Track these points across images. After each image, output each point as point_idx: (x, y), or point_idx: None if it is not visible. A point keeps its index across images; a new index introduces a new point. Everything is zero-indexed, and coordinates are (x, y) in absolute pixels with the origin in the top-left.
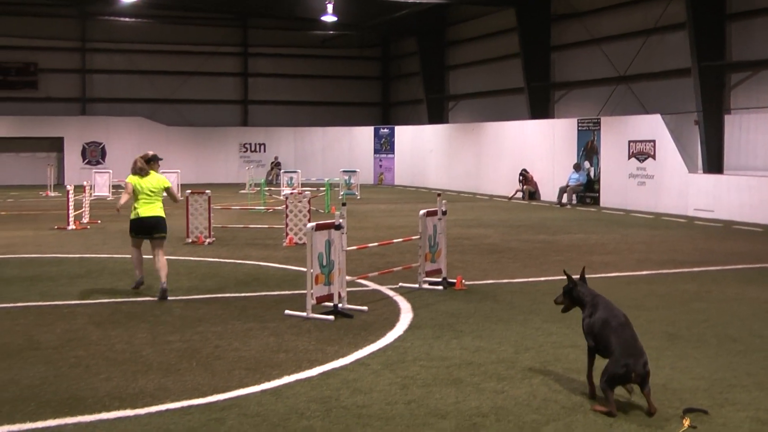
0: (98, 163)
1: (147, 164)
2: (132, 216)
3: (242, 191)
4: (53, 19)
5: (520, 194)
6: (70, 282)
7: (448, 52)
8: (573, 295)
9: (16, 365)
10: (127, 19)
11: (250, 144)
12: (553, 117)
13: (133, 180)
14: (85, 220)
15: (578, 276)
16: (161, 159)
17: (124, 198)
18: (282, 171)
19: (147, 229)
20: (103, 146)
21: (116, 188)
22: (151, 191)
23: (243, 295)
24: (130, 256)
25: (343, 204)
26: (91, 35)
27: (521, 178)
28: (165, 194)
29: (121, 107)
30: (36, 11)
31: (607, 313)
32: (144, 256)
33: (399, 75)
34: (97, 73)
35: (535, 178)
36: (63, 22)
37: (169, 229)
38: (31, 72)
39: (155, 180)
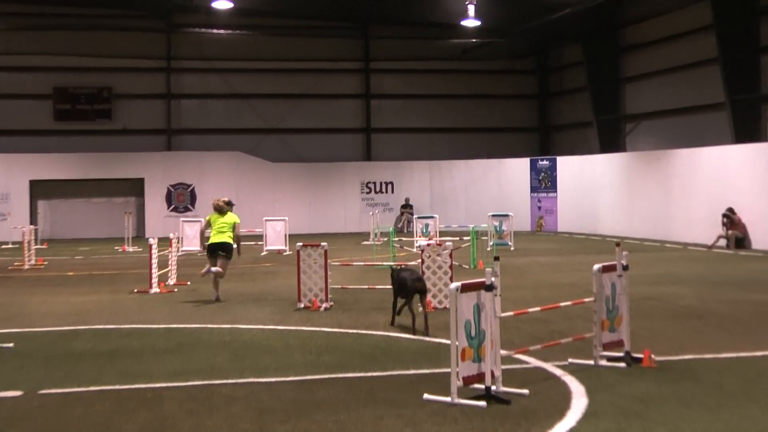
0: (186, 209)
1: (226, 206)
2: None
3: (365, 242)
4: (130, 33)
5: (723, 241)
6: (155, 358)
7: (623, 60)
8: None
9: None
10: (221, 32)
11: (375, 183)
12: (765, 140)
13: (213, 217)
14: (172, 281)
15: None
16: (234, 204)
17: (199, 227)
18: (415, 216)
19: (214, 250)
20: (193, 188)
21: None
22: (223, 225)
23: (370, 374)
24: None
25: (495, 258)
26: (177, 52)
27: (725, 220)
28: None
29: (215, 140)
30: (109, 24)
31: None
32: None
33: (560, 91)
34: (184, 98)
35: (743, 220)
36: (143, 38)
37: (277, 292)
38: (104, 98)
39: (228, 217)
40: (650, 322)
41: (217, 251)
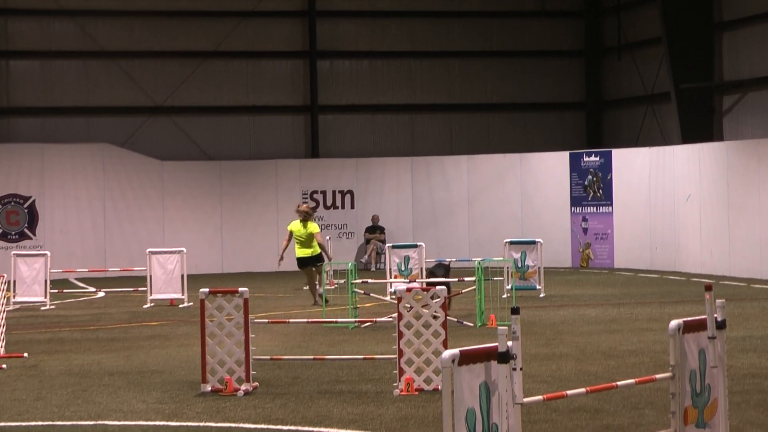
0: (22, 236)
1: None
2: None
3: (308, 286)
4: None
5: None
6: None
7: None
8: None
9: None
10: None
11: (324, 192)
12: None
13: (294, 226)
14: None
15: None
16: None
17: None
18: (387, 245)
19: (306, 265)
20: (32, 203)
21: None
22: (307, 236)
23: None
24: None
25: (515, 310)
26: None
27: None
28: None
29: (67, 125)
30: None
31: None
32: None
33: (620, 46)
34: (16, 58)
35: None
36: None
37: (169, 368)
38: None
39: (310, 227)
40: (765, 414)
41: (308, 265)
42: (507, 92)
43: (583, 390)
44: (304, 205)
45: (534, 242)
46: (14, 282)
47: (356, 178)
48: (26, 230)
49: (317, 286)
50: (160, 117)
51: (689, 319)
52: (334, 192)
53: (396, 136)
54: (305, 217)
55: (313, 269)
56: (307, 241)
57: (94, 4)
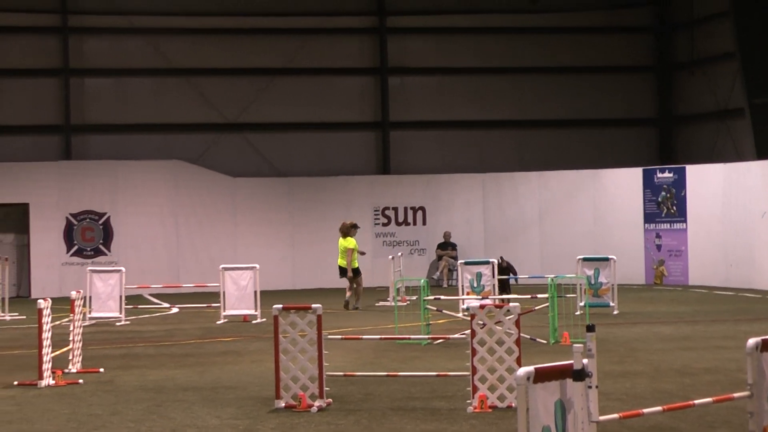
0: (98, 252)
1: (349, 228)
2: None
3: (382, 302)
4: None
5: None
6: None
7: None
8: None
9: None
10: None
11: (396, 209)
12: None
13: (340, 239)
14: (74, 367)
15: None
16: (358, 227)
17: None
18: (459, 262)
19: (341, 274)
20: (107, 219)
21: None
22: (342, 249)
23: None
24: None
25: (589, 327)
26: (77, 1)
27: None
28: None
29: (139, 142)
30: None
31: None
32: None
33: (692, 61)
34: (90, 76)
35: None
36: None
37: (242, 384)
38: None
39: (345, 241)
40: None
41: (342, 275)
42: (577, 108)
43: (659, 408)
44: (346, 222)
45: (607, 259)
46: (90, 298)
47: (427, 195)
48: (101, 246)
49: (348, 295)
50: (232, 134)
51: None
52: (405, 208)
53: (466, 152)
54: (344, 233)
55: (350, 280)
56: (342, 254)
57: (166, 22)
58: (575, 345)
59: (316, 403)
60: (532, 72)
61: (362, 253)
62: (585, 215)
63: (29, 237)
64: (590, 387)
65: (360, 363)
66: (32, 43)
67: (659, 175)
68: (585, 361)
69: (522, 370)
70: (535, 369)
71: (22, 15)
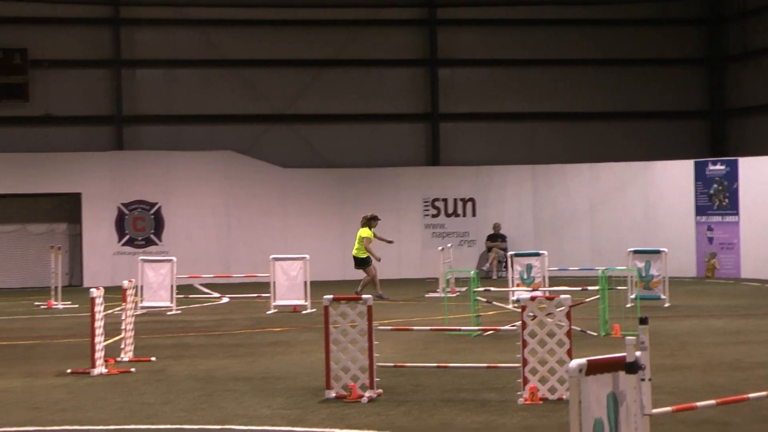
0: (148, 242)
1: (367, 221)
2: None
3: (431, 293)
4: None
5: None
6: None
7: None
8: None
9: None
10: None
11: (445, 201)
12: None
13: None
14: (126, 356)
15: None
16: (378, 219)
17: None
18: (509, 253)
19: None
20: (158, 209)
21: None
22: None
23: None
24: None
25: (642, 320)
26: None
27: None
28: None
29: (190, 133)
30: None
31: None
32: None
33: (745, 53)
34: (141, 67)
35: None
36: None
37: (293, 374)
38: (14, 67)
39: (360, 231)
40: None
41: (356, 266)
42: (627, 100)
43: (712, 402)
44: (364, 215)
45: (658, 251)
46: (141, 287)
47: (477, 186)
48: (152, 236)
49: (375, 283)
50: (282, 125)
51: None
52: (455, 200)
53: (516, 144)
54: (363, 223)
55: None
56: (357, 244)
57: (216, 13)
58: (628, 337)
59: (367, 394)
60: (582, 64)
61: (390, 242)
62: (636, 207)
63: (81, 226)
64: (643, 380)
65: (410, 354)
66: (85, 35)
67: (711, 167)
68: (638, 353)
69: (574, 362)
70: (588, 361)
71: (75, 6)
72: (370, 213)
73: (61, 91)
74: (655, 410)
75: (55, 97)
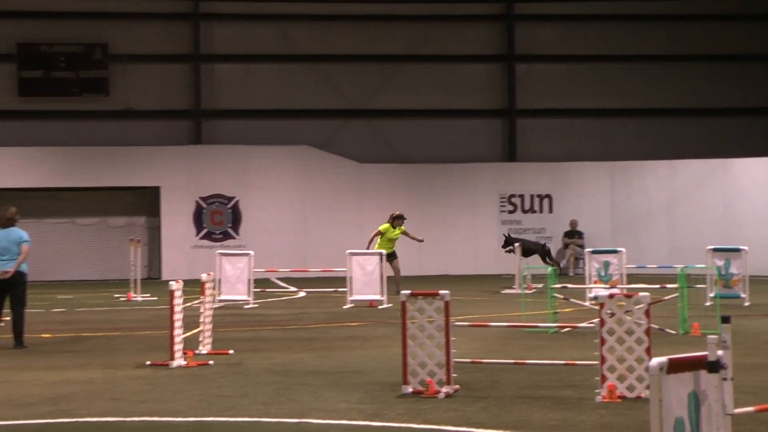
0: (226, 236)
1: (394, 219)
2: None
3: (508, 290)
4: None
5: None
6: None
7: None
8: None
9: None
10: None
11: (522, 197)
12: None
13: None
14: (205, 348)
15: None
16: (404, 218)
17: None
18: (587, 250)
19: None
20: (236, 203)
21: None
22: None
23: None
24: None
25: (724, 319)
26: None
27: None
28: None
29: (268, 127)
30: None
31: None
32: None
33: None
34: (220, 62)
35: None
36: None
37: (369, 368)
38: (96, 61)
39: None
40: None
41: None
42: (706, 97)
43: None
44: (394, 212)
45: (739, 250)
46: (219, 280)
47: (554, 182)
48: (230, 230)
49: (397, 284)
50: (358, 120)
51: None
52: (531, 196)
53: (593, 140)
54: (389, 221)
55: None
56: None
57: (293, 8)
58: (709, 336)
59: (444, 389)
60: (661, 60)
61: (420, 240)
62: (715, 205)
63: (160, 220)
64: (725, 379)
65: (486, 350)
66: (164, 30)
67: None
68: (720, 352)
69: (655, 361)
70: (669, 360)
71: (154, 2)
72: (397, 212)
73: (141, 85)
74: (737, 410)
75: (135, 91)
